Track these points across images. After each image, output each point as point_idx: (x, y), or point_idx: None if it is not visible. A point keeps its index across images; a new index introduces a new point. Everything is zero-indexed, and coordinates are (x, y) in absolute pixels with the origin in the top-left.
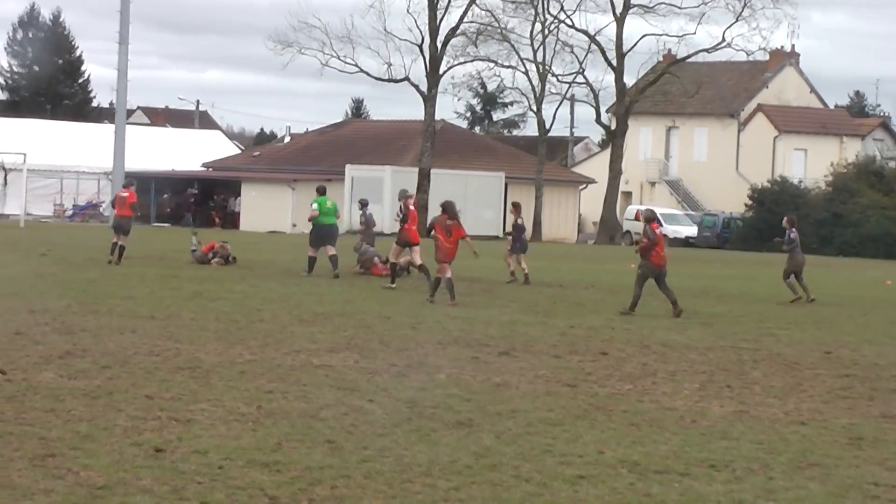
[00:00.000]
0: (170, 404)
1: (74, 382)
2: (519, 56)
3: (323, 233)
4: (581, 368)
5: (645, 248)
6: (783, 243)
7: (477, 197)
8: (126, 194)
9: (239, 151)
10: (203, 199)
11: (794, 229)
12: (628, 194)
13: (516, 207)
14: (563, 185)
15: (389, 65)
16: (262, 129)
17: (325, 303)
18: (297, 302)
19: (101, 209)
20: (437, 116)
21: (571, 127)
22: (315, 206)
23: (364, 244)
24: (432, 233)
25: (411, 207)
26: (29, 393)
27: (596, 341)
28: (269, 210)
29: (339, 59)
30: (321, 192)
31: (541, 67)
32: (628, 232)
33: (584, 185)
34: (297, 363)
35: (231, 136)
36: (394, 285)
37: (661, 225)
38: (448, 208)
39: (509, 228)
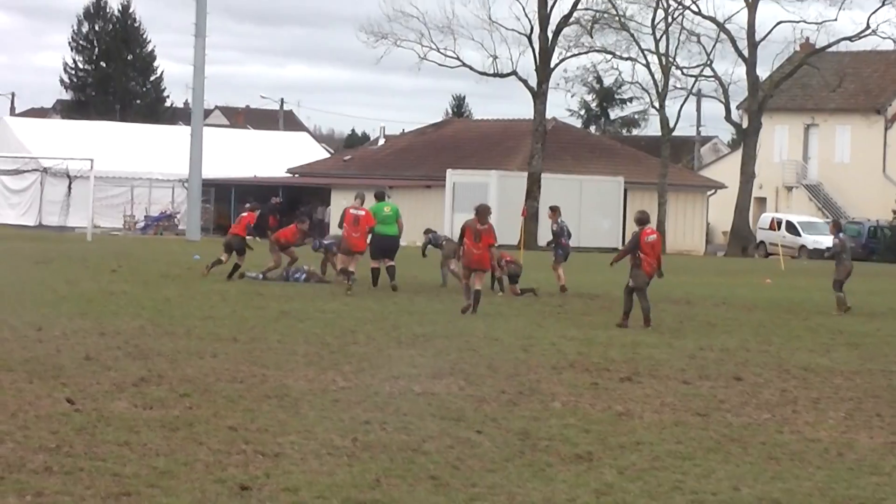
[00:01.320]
0: (256, 437)
1: (150, 413)
2: (639, 47)
3: (378, 244)
4: (713, 395)
5: (619, 257)
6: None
7: (593, 204)
8: (362, 212)
9: (328, 155)
10: (289, 209)
11: (840, 234)
12: (762, 200)
13: (554, 211)
14: (690, 190)
15: (495, 58)
16: (353, 131)
17: (426, 323)
18: (395, 322)
19: (175, 220)
20: (549, 114)
21: (698, 125)
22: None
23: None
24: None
25: (350, 212)
26: (100, 424)
27: (729, 365)
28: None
29: (438, 51)
30: (379, 197)
31: (664, 59)
32: (762, 243)
33: (713, 191)
34: (396, 390)
35: (319, 138)
36: (350, 292)
37: (653, 232)
38: (481, 212)
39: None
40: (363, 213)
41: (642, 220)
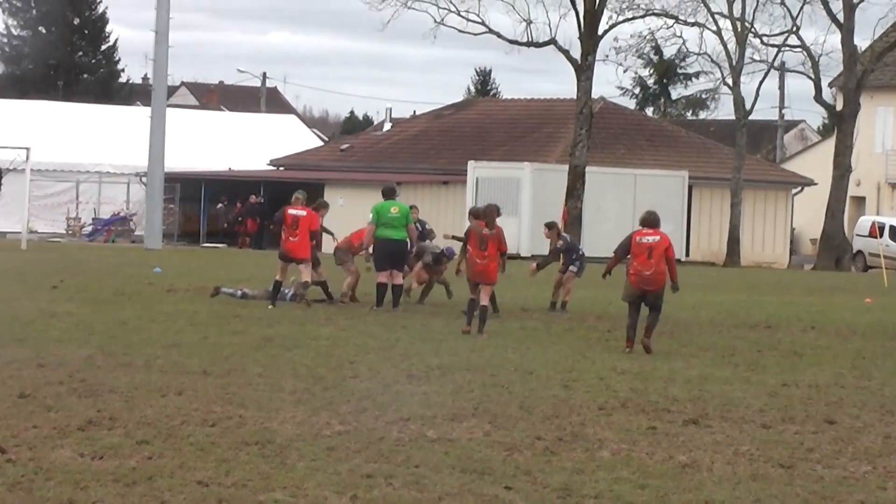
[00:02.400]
0: (231, 494)
1: (100, 463)
2: (708, 9)
3: (383, 250)
4: (799, 442)
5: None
6: None
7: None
8: (303, 213)
9: (321, 143)
10: (271, 210)
11: None
12: (860, 200)
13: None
14: (770, 187)
15: (528, 22)
16: (352, 113)
17: (444, 352)
18: (405, 351)
19: (131, 224)
20: (596, 94)
21: (781, 107)
22: (371, 216)
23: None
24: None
25: (289, 212)
26: (39, 478)
27: (819, 404)
28: (363, 224)
29: (458, 14)
30: (387, 194)
31: (738, 24)
32: (860, 252)
33: (800, 188)
34: (406, 436)
35: (310, 122)
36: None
37: (655, 233)
38: (486, 213)
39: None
40: (304, 213)
41: (646, 221)
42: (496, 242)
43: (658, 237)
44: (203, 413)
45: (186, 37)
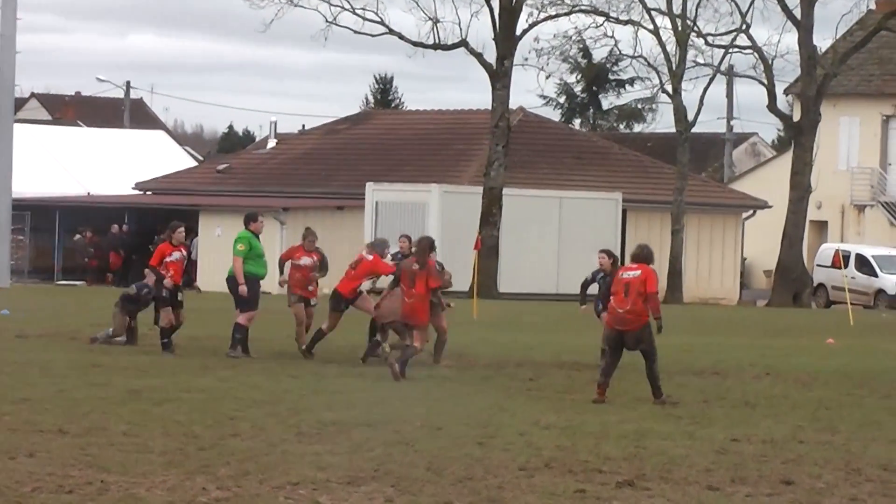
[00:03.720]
0: None
1: None
2: (644, 5)
3: (255, 291)
4: None
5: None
6: None
7: (578, 232)
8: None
9: (195, 163)
10: (139, 242)
11: None
12: (822, 225)
13: (610, 257)
14: (718, 211)
15: (435, 21)
16: (230, 128)
17: (340, 405)
18: (295, 404)
19: None
20: (514, 104)
21: (729, 118)
22: (240, 246)
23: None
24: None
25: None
26: None
27: (775, 463)
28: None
29: (353, 12)
30: (249, 221)
31: (679, 23)
32: (822, 286)
33: (752, 212)
34: (295, 503)
35: (181, 138)
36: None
37: (638, 267)
38: (418, 249)
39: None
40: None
41: (634, 256)
42: (424, 280)
43: (639, 272)
44: (58, 478)
45: (36, 41)
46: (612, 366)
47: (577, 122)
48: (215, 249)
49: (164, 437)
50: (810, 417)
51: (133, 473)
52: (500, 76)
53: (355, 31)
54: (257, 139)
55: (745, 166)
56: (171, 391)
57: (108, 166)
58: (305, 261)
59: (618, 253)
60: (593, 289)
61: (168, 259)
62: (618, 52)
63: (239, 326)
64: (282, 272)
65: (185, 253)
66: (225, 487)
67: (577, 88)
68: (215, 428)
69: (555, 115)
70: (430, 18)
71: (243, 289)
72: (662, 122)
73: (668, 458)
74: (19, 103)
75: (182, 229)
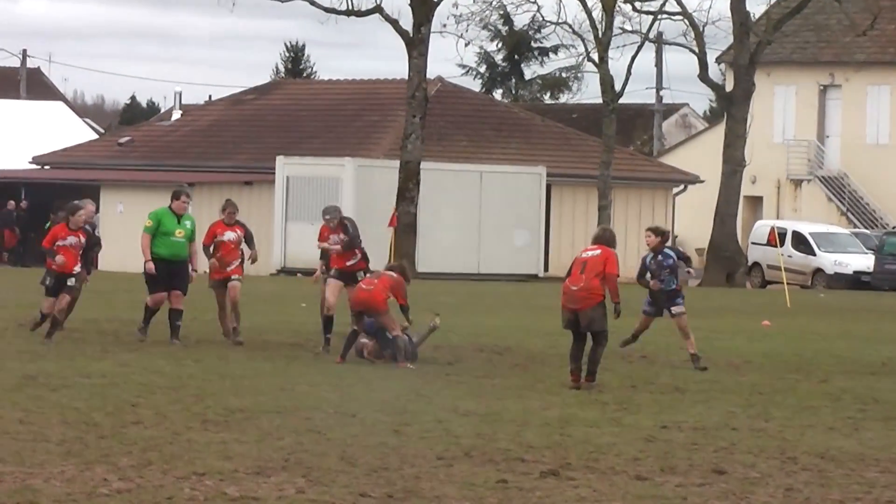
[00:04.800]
0: None
1: None
2: None
3: (159, 272)
4: (682, 497)
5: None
6: None
7: (499, 208)
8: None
9: (95, 136)
10: (33, 218)
11: None
12: (756, 201)
13: (658, 234)
14: (646, 185)
15: None
16: (133, 99)
17: (247, 391)
18: (199, 390)
19: None
20: (432, 73)
21: (658, 88)
22: (148, 222)
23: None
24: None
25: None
26: None
27: (706, 451)
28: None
29: None
30: (175, 197)
31: None
32: (756, 265)
33: (682, 187)
34: (201, 494)
35: (81, 110)
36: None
37: (598, 247)
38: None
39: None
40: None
41: (595, 237)
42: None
43: (598, 251)
44: None
45: None
46: (579, 349)
47: (498, 93)
48: (116, 229)
49: (61, 426)
50: (743, 403)
51: (29, 464)
52: (416, 44)
53: None
54: (161, 110)
55: (676, 139)
56: (68, 376)
57: (3, 139)
58: (229, 235)
59: (541, 230)
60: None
61: (61, 243)
62: (541, 19)
63: (145, 308)
64: (208, 256)
65: (82, 239)
66: (127, 478)
67: (498, 57)
68: (116, 415)
69: (475, 86)
70: None
71: (150, 266)
72: (588, 92)
73: (594, 447)
74: None
75: (82, 212)
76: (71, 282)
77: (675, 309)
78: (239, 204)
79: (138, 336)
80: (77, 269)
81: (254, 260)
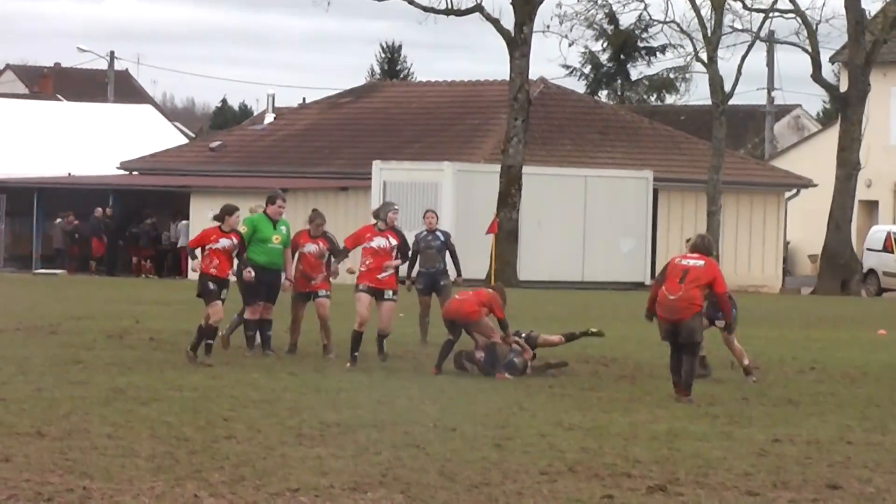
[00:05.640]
0: None
1: None
2: None
3: (258, 279)
4: None
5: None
6: None
7: (605, 213)
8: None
9: (185, 140)
10: (122, 225)
11: None
12: (872, 205)
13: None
14: (758, 190)
15: None
16: (224, 102)
17: (343, 405)
18: (294, 403)
19: None
20: (535, 74)
21: (770, 89)
22: (243, 228)
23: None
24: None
25: None
26: None
27: (820, 466)
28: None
29: None
30: (271, 201)
31: None
32: (873, 272)
33: (795, 191)
34: None
35: (171, 113)
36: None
37: (697, 256)
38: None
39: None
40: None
41: (693, 245)
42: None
43: (702, 262)
44: (36, 485)
45: (7, 7)
46: (681, 360)
47: (603, 94)
48: None
49: (151, 440)
50: (859, 416)
51: (117, 480)
52: (518, 44)
53: None
54: (254, 114)
55: (788, 141)
56: (158, 390)
57: (90, 144)
58: (310, 248)
59: (648, 236)
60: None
61: (213, 246)
62: (648, 17)
63: (245, 322)
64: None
65: (236, 241)
66: (218, 494)
67: (604, 57)
68: (207, 430)
69: (579, 87)
70: None
71: (248, 273)
72: (697, 93)
73: (704, 461)
74: None
75: (238, 213)
76: (224, 293)
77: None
78: (334, 210)
79: (246, 354)
80: (232, 273)
81: (334, 276)
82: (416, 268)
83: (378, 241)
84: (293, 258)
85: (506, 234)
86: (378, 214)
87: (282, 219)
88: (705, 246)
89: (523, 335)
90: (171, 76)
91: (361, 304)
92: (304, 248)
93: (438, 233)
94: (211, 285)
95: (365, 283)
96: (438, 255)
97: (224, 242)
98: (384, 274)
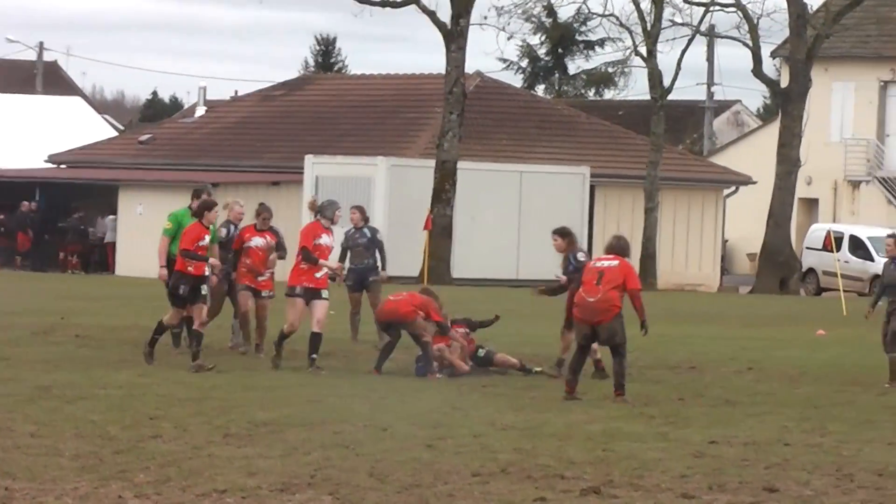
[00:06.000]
0: None
1: None
2: None
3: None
4: None
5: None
6: None
7: (541, 209)
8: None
9: (115, 133)
10: (49, 220)
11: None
12: (812, 203)
13: (564, 236)
14: (696, 187)
15: None
16: (154, 94)
17: (273, 404)
18: (223, 402)
19: None
20: (471, 68)
21: (710, 84)
22: (168, 224)
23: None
24: None
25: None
26: None
27: (758, 468)
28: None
29: None
30: (196, 195)
31: None
32: (812, 271)
33: (734, 189)
34: None
35: (100, 105)
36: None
37: (614, 257)
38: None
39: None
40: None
41: (609, 247)
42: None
43: (616, 262)
44: None
45: None
46: (582, 361)
47: (540, 89)
48: (136, 229)
49: (76, 439)
50: (798, 417)
51: (41, 480)
52: (454, 37)
53: None
54: (185, 106)
55: (728, 137)
56: (84, 387)
57: (17, 136)
58: (257, 242)
59: (585, 235)
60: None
61: (247, 245)
62: (586, 11)
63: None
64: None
65: (270, 240)
66: (144, 495)
67: (541, 51)
68: (133, 429)
69: (516, 81)
70: None
71: (162, 272)
72: (636, 88)
73: (639, 463)
74: None
75: (216, 209)
76: (204, 290)
77: None
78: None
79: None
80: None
81: (272, 266)
82: (346, 265)
83: (325, 239)
84: (241, 250)
85: (440, 230)
86: (324, 212)
87: None
88: (621, 247)
89: (484, 350)
90: (101, 68)
91: (296, 310)
92: (250, 242)
93: (366, 229)
94: (182, 287)
95: (303, 284)
96: (367, 251)
97: (258, 241)
98: (322, 273)
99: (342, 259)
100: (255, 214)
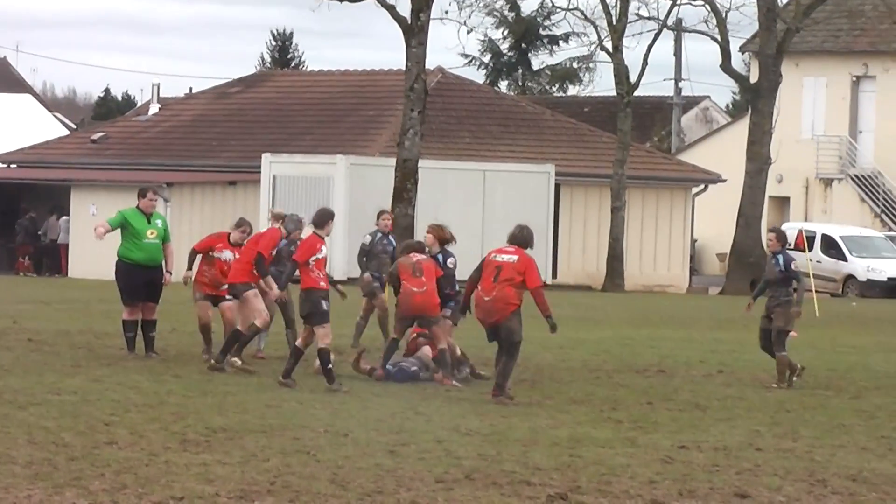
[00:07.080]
0: None
1: None
2: None
3: (136, 278)
4: None
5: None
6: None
7: (505, 209)
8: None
9: (67, 132)
10: (1, 222)
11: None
12: (783, 201)
13: (780, 238)
14: (664, 185)
15: None
16: (107, 91)
17: (231, 409)
18: (179, 407)
19: None
20: (432, 63)
21: (678, 80)
22: (107, 222)
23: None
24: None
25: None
26: None
27: (728, 473)
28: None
29: None
30: (141, 195)
31: None
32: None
33: (703, 187)
34: None
35: (51, 103)
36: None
37: (514, 250)
38: (413, 246)
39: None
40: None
41: (511, 237)
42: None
43: (515, 256)
44: None
45: None
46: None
47: (503, 85)
48: (89, 230)
49: (28, 446)
50: (769, 421)
51: None
52: (415, 32)
53: None
54: (138, 104)
55: (696, 134)
56: (37, 393)
57: None
58: (227, 255)
59: (550, 234)
60: None
61: (217, 255)
62: (550, 4)
63: (123, 322)
64: (190, 266)
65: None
66: (99, 503)
67: (504, 46)
68: (88, 435)
69: (478, 77)
70: None
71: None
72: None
73: (607, 468)
74: None
75: (247, 226)
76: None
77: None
78: (222, 205)
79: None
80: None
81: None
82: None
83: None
84: (206, 258)
85: (401, 230)
86: (287, 227)
87: (156, 212)
88: (523, 237)
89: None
90: (52, 64)
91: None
92: (219, 253)
93: (392, 237)
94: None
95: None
96: (393, 261)
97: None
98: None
99: (359, 260)
100: (234, 225)
